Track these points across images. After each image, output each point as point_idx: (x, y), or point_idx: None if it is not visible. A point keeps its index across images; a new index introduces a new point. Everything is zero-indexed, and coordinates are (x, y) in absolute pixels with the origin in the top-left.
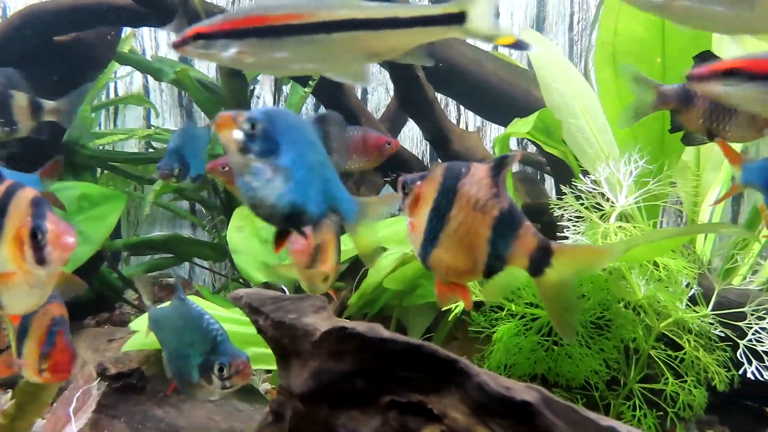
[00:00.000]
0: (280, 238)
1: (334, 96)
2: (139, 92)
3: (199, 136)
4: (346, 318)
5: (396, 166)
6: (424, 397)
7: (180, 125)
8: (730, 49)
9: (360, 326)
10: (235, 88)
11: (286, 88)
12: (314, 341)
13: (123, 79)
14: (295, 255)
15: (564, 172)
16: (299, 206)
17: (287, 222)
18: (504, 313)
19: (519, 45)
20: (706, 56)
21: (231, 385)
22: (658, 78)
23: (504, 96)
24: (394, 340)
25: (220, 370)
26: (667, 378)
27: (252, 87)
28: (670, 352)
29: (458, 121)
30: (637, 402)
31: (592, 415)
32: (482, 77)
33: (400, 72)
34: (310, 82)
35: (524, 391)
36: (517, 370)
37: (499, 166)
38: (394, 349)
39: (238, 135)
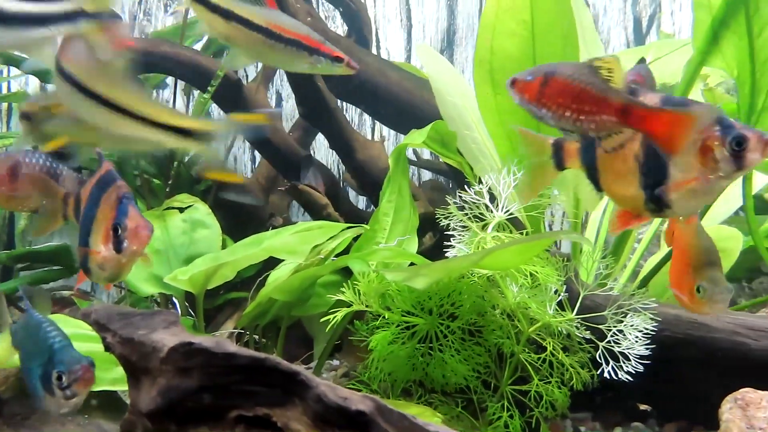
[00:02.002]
0: None
1: (234, 102)
2: (23, 90)
3: None
4: (240, 329)
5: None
6: (269, 410)
7: None
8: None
9: (207, 341)
10: None
11: (196, 93)
12: (162, 357)
13: (17, 79)
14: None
15: (464, 181)
16: None
17: None
18: (379, 321)
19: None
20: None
21: (73, 394)
22: None
23: (408, 106)
24: (239, 355)
25: (59, 378)
26: (541, 380)
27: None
28: (539, 355)
29: (373, 130)
30: (506, 404)
31: (420, 421)
32: (387, 87)
33: (299, 82)
34: (209, 88)
35: (360, 401)
36: (396, 377)
37: None
38: (239, 364)
39: None
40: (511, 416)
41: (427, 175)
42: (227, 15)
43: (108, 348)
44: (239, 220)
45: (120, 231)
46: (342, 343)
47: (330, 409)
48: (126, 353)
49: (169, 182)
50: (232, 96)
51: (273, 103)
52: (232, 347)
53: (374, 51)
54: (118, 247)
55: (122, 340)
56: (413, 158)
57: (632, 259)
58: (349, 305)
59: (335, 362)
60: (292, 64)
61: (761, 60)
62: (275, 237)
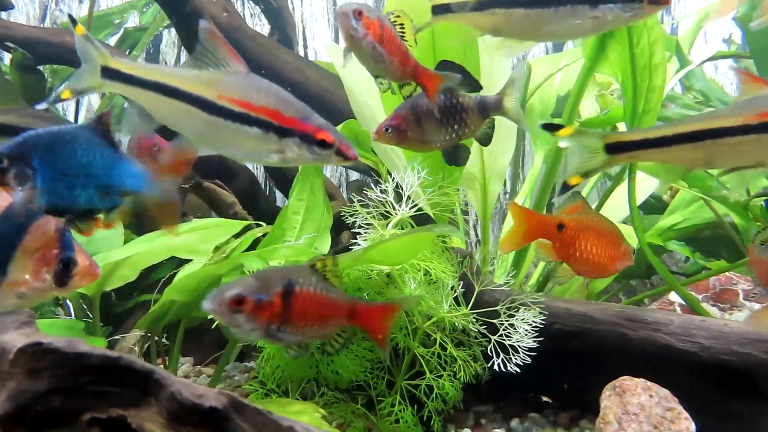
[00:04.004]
0: None
1: None
2: None
3: None
4: (145, 331)
5: (219, 174)
6: (124, 411)
7: None
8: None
9: (57, 341)
10: (28, 83)
11: None
12: (11, 360)
13: None
14: None
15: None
16: None
17: None
18: None
19: None
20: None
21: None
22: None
23: (326, 104)
24: (91, 354)
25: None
26: (435, 375)
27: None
28: (430, 350)
29: None
30: (398, 398)
31: (275, 416)
32: (305, 85)
33: None
34: None
35: (214, 398)
36: (290, 375)
37: None
38: (92, 364)
39: None
40: (401, 410)
41: (355, 175)
42: None
43: None
44: (151, 219)
45: (71, 266)
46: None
47: (184, 407)
48: None
49: None
50: None
51: None
52: (85, 347)
53: (301, 50)
54: (62, 282)
55: None
56: None
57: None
58: None
59: (251, 364)
60: None
61: (640, 66)
62: (170, 234)
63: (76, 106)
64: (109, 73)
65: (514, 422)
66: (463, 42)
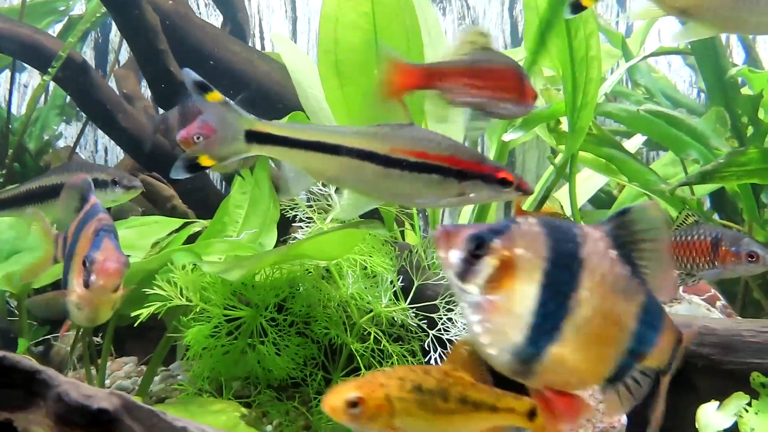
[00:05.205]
0: None
1: (81, 86)
2: None
3: None
4: (76, 331)
5: (162, 166)
6: (10, 414)
7: None
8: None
9: None
10: None
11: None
12: None
13: None
14: None
15: None
16: None
17: None
18: (194, 314)
19: None
20: None
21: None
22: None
23: (276, 96)
24: None
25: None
26: (372, 369)
27: None
28: (365, 345)
29: None
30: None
31: (169, 417)
32: (255, 77)
33: (150, 67)
34: (50, 69)
35: (104, 399)
36: (222, 373)
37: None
38: None
39: None
40: None
41: None
42: None
43: None
44: None
45: (88, 265)
46: None
47: (72, 408)
48: None
49: (3, 172)
50: (76, 79)
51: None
52: None
53: (257, 42)
54: (86, 283)
55: None
56: None
57: None
58: (190, 301)
59: None
60: None
61: (578, 59)
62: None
63: (10, 87)
64: (257, 137)
65: None
66: (406, 30)
